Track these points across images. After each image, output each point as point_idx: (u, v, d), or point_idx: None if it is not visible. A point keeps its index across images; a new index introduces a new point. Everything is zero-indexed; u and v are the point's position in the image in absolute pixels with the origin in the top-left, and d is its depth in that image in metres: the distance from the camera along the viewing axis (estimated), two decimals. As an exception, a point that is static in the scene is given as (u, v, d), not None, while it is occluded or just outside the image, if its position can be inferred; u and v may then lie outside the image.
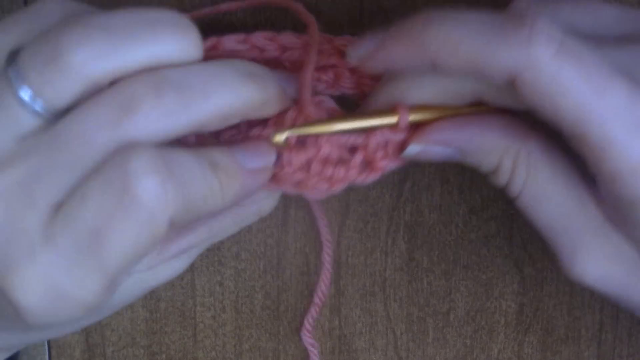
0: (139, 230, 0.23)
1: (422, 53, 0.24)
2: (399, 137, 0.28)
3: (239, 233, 0.36)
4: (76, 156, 0.23)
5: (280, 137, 0.27)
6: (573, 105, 0.23)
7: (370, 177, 0.29)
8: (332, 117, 0.28)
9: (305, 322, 0.36)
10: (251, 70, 0.26)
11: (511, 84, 0.24)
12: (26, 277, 0.23)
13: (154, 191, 0.22)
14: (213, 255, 0.36)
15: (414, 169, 0.35)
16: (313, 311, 0.36)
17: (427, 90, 0.27)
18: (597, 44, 0.24)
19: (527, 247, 0.36)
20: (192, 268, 0.37)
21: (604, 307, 0.36)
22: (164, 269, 0.29)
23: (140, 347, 0.37)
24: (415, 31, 0.25)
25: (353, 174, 0.28)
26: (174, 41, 0.24)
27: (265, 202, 0.30)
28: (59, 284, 0.23)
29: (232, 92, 0.25)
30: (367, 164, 0.29)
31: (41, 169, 0.23)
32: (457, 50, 0.24)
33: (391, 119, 0.27)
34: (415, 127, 0.28)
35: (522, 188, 0.27)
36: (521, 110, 0.26)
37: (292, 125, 0.27)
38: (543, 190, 0.27)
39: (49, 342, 0.37)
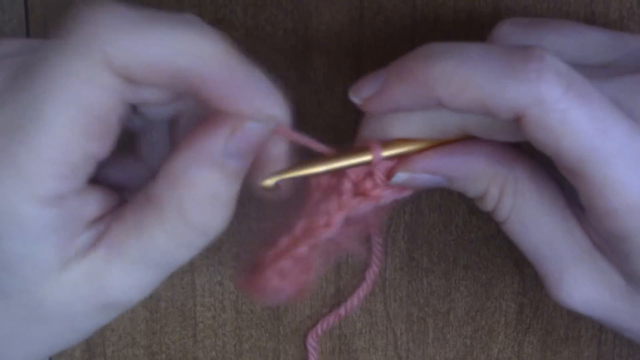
0: (78, 67, 0.22)
1: (427, 94, 0.24)
2: (384, 165, 0.28)
3: (239, 233, 0.36)
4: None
5: (271, 182, 0.27)
6: (577, 145, 0.23)
7: (370, 205, 0.29)
8: (309, 161, 0.28)
9: (319, 326, 0.36)
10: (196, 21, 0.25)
11: (514, 121, 0.24)
12: None
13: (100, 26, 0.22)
14: (213, 255, 0.36)
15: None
16: (331, 319, 0.36)
17: (412, 125, 0.27)
18: (587, 75, 0.24)
19: (527, 247, 0.36)
20: (192, 268, 0.37)
21: (604, 307, 0.36)
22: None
23: (140, 347, 0.37)
24: (418, 71, 0.24)
25: (349, 205, 0.28)
26: None
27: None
28: (9, 153, 0.22)
29: (179, 34, 0.24)
30: (362, 195, 0.29)
31: None
32: (464, 89, 0.23)
33: (366, 157, 0.27)
34: (402, 156, 0.28)
35: (509, 214, 0.27)
36: (506, 141, 0.26)
37: (277, 172, 0.27)
38: (530, 217, 0.27)
39: (49, 342, 0.38)
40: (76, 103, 0.22)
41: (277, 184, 0.27)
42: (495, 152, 0.27)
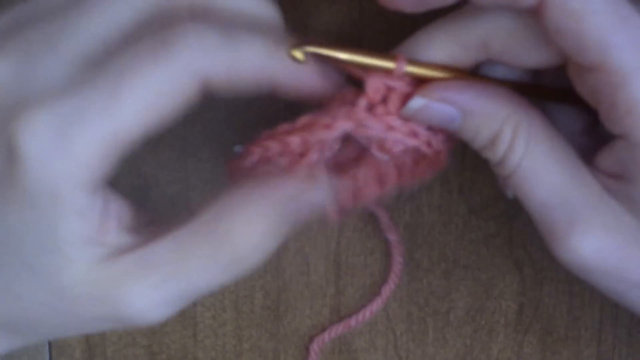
0: (164, 76, 0.23)
1: None
2: (401, 91, 0.28)
3: (239, 233, 0.36)
4: (110, 13, 0.23)
5: (300, 53, 0.26)
6: (599, 29, 0.23)
7: (377, 132, 0.28)
8: (337, 45, 0.28)
9: (326, 334, 0.36)
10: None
11: (536, 9, 0.24)
12: (37, 121, 0.22)
13: (193, 41, 0.23)
14: (213, 255, 0.37)
15: (414, 169, 0.35)
16: (340, 328, 0.36)
17: (435, 40, 0.27)
18: None
19: (527, 247, 0.36)
20: (192, 268, 0.37)
21: (604, 307, 0.36)
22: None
23: (140, 347, 0.37)
24: None
25: (357, 118, 0.28)
26: None
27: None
28: (68, 132, 0.22)
29: (262, 46, 0.25)
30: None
31: (69, 23, 0.23)
32: None
33: (389, 64, 0.27)
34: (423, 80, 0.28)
35: (520, 161, 0.26)
36: (522, 65, 0.26)
37: (307, 44, 0.27)
38: (542, 163, 0.26)
39: (49, 342, 0.38)
40: (155, 91, 0.23)
41: (306, 56, 0.26)
42: (511, 95, 0.27)
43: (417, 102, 0.27)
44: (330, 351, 0.37)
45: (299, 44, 0.26)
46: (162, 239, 0.25)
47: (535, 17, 0.24)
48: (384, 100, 0.27)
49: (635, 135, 0.24)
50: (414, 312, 0.37)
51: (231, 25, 0.24)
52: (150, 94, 0.23)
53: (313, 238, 0.36)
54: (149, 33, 0.23)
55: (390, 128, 0.28)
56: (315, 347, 0.37)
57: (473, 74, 0.28)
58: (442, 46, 0.27)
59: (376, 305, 0.36)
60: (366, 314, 0.36)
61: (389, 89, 0.27)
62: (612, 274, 0.26)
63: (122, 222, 0.25)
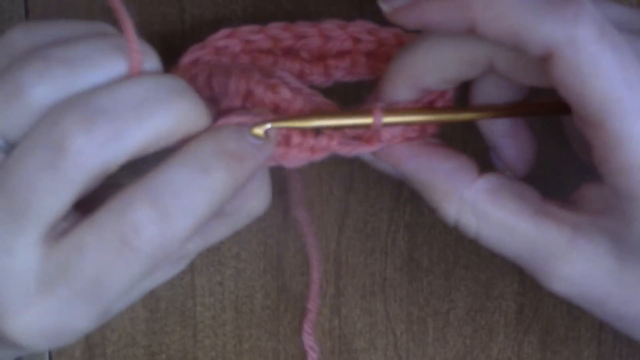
0: (133, 269, 0.23)
1: (463, 16, 0.24)
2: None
3: (239, 233, 0.36)
4: (26, 202, 0.23)
5: (260, 131, 0.26)
6: (603, 91, 0.23)
7: (355, 151, 0.29)
8: (312, 113, 0.28)
9: (305, 325, 0.36)
10: (180, 85, 0.25)
11: (544, 59, 0.24)
12: (24, 323, 0.23)
13: (148, 231, 0.23)
14: (213, 255, 0.36)
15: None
16: (310, 316, 0.36)
17: (441, 53, 0.27)
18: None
19: (527, 247, 0.36)
20: (192, 268, 0.37)
21: (604, 307, 0.36)
22: (160, 272, 0.29)
23: (140, 347, 0.37)
24: None
25: (335, 145, 0.29)
26: (120, 67, 0.24)
27: (254, 202, 0.30)
28: (58, 324, 0.24)
29: (166, 113, 0.24)
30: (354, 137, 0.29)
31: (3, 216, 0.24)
32: (500, 17, 0.24)
33: (366, 120, 0.27)
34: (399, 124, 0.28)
35: (476, 233, 0.27)
36: (524, 84, 0.27)
37: (273, 119, 0.26)
38: (500, 230, 0.27)
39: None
40: None
41: (266, 133, 0.26)
42: (457, 170, 0.27)
43: (366, 156, 0.29)
44: (331, 351, 0.37)
45: (260, 122, 0.26)
46: (62, 243, 0.25)
47: (542, 65, 0.24)
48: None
49: (623, 191, 0.24)
50: (414, 312, 0.37)
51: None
52: (52, 207, 0.23)
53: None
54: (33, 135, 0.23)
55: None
56: (307, 340, 0.37)
57: (452, 109, 0.28)
58: (450, 62, 0.27)
59: (316, 273, 0.36)
60: (314, 290, 0.36)
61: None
62: (596, 308, 0.27)
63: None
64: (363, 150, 0.29)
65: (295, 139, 0.28)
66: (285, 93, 0.28)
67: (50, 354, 0.38)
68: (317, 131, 0.28)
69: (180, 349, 0.37)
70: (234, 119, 0.26)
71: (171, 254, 0.24)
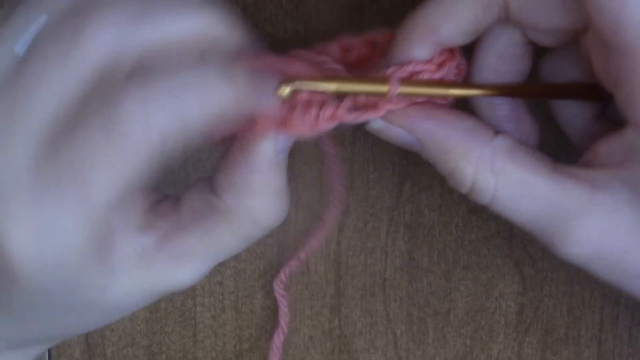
0: (125, 157, 0.23)
1: None
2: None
3: (239, 233, 0.36)
4: (45, 91, 0.23)
5: (284, 91, 0.26)
6: (638, 16, 0.23)
7: (361, 118, 0.28)
8: (326, 77, 0.28)
9: (281, 272, 0.36)
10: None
11: None
12: (19, 226, 0.23)
13: (138, 113, 0.23)
14: (213, 255, 0.37)
15: (413, 169, 0.35)
16: (293, 265, 0.36)
17: (458, 3, 0.27)
18: None
19: (527, 247, 0.36)
20: (192, 268, 0.37)
21: (604, 307, 0.36)
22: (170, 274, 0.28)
23: (140, 347, 0.37)
24: None
25: (341, 114, 0.28)
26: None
27: (256, 203, 0.29)
28: (52, 228, 0.23)
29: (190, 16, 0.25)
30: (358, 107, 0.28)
31: (14, 109, 0.23)
32: None
33: (382, 88, 0.27)
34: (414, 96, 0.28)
35: (494, 193, 0.27)
36: (539, 27, 0.26)
37: (293, 81, 0.26)
38: (520, 188, 0.26)
39: (49, 342, 0.38)
40: None
41: (293, 93, 0.26)
42: (475, 128, 0.27)
43: (377, 124, 0.28)
44: (331, 351, 0.37)
45: (285, 81, 0.26)
46: (190, 229, 0.26)
47: None
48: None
49: None
50: (414, 312, 0.37)
51: (176, 71, 0.24)
52: (112, 174, 0.23)
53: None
54: (95, 99, 0.23)
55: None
56: (278, 289, 0.36)
57: (465, 84, 0.28)
58: (464, 5, 0.27)
59: (321, 231, 0.36)
60: (313, 243, 0.36)
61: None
62: (613, 267, 0.26)
63: (141, 221, 0.26)
64: (369, 117, 0.28)
65: (301, 102, 0.28)
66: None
67: (50, 354, 0.38)
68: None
69: (180, 349, 0.37)
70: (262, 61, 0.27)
71: (156, 156, 0.23)
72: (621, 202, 0.26)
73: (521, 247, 0.36)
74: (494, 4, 0.26)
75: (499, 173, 0.26)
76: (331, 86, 0.27)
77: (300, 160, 0.36)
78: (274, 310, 0.37)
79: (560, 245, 0.26)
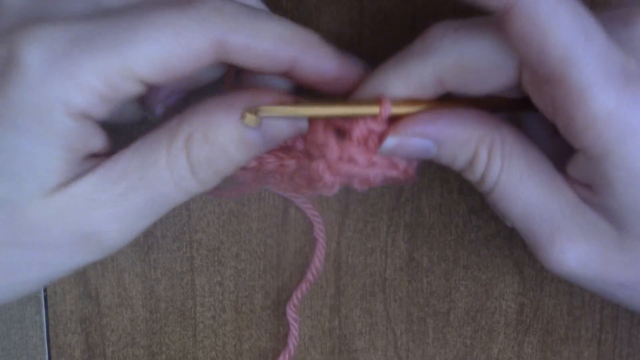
0: (183, 27, 0.23)
1: None
2: (379, 127, 0.28)
3: (239, 233, 0.36)
4: None
5: (253, 118, 0.26)
6: (562, 41, 0.23)
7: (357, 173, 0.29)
8: (315, 101, 0.28)
9: (294, 296, 0.36)
10: None
11: (504, 13, 0.24)
12: (46, 35, 0.22)
13: (215, 4, 0.24)
14: (213, 255, 0.37)
15: (414, 169, 0.35)
16: (303, 287, 0.36)
17: (396, 85, 0.27)
18: None
19: (527, 247, 0.36)
20: (192, 268, 0.37)
21: (604, 307, 0.36)
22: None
23: (140, 347, 0.37)
24: None
25: (338, 169, 0.28)
26: None
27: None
28: (74, 54, 0.23)
29: None
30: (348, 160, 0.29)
31: None
32: None
33: (374, 110, 0.27)
34: (393, 122, 0.28)
35: (497, 178, 0.27)
36: (479, 93, 0.27)
37: (266, 108, 0.26)
38: (519, 178, 0.27)
39: (49, 342, 0.38)
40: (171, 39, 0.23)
41: (260, 120, 0.26)
42: (481, 117, 0.27)
43: (391, 142, 0.28)
44: (331, 351, 0.37)
45: (250, 109, 0.26)
46: (122, 153, 0.25)
47: (501, 24, 0.24)
48: (365, 140, 0.28)
49: (594, 149, 0.24)
50: (414, 312, 0.37)
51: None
52: (166, 42, 0.23)
53: (313, 238, 0.36)
54: None
55: (372, 164, 0.28)
56: (291, 313, 0.36)
57: (446, 100, 0.28)
58: (400, 87, 0.27)
59: (320, 253, 0.36)
60: (317, 264, 0.36)
61: (370, 131, 0.28)
62: (596, 279, 0.27)
63: (96, 149, 0.25)
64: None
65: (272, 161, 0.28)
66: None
67: (50, 354, 0.38)
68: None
69: (180, 349, 0.37)
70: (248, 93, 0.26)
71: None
72: (599, 218, 0.26)
73: (521, 247, 0.36)
74: (428, 84, 0.27)
75: (505, 157, 0.27)
76: (321, 111, 0.27)
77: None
78: (274, 310, 0.37)
79: (544, 253, 0.27)
